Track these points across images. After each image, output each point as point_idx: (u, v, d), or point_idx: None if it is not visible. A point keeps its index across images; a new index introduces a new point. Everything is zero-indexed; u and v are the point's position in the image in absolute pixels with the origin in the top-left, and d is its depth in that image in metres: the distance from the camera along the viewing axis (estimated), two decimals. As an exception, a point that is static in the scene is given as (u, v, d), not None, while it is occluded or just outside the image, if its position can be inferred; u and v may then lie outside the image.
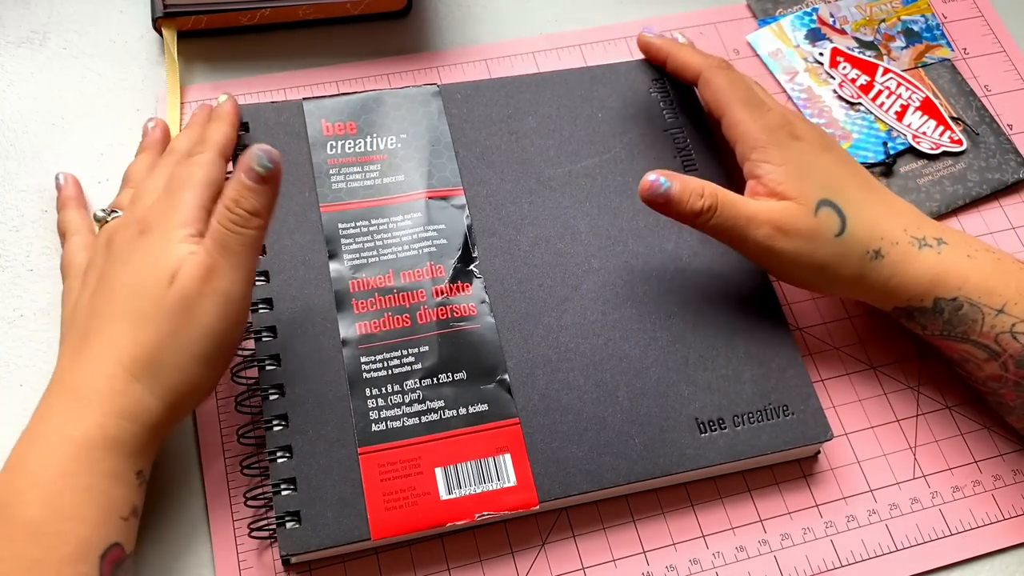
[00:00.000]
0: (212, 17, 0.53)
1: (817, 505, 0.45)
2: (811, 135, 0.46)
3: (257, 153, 0.38)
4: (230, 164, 0.45)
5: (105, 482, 0.36)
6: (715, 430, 0.43)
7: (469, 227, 0.47)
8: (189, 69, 0.53)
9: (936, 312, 0.44)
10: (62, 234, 0.46)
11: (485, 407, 0.43)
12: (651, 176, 0.43)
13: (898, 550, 0.45)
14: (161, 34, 0.53)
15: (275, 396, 0.42)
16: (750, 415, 0.44)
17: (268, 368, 0.42)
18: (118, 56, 0.53)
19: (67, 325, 0.41)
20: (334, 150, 0.48)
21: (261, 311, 0.44)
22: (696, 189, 0.43)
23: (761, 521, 0.45)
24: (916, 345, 0.50)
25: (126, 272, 0.39)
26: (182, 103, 0.52)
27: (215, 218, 0.39)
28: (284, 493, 0.40)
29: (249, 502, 0.42)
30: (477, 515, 0.40)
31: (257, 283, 0.44)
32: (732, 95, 0.46)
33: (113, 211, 0.44)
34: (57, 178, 0.47)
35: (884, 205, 0.45)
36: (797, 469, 0.46)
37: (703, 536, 0.44)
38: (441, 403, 0.42)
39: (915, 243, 0.44)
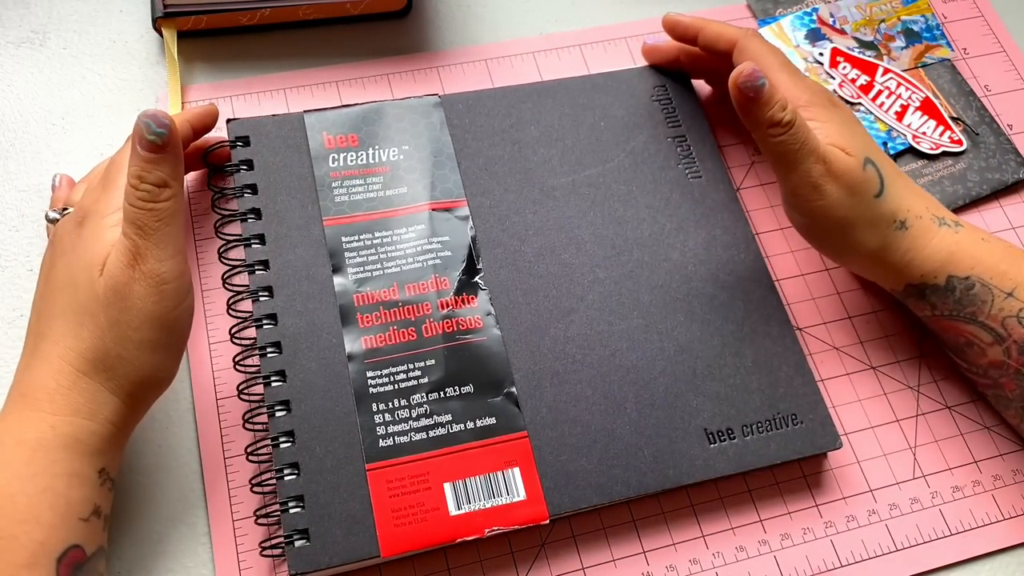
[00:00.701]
0: (212, 17, 0.53)
1: (817, 505, 0.45)
2: (846, 108, 0.47)
3: (145, 121, 0.36)
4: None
5: (62, 483, 0.35)
6: (724, 440, 0.43)
7: (473, 238, 0.46)
8: (189, 69, 0.53)
9: (948, 290, 0.44)
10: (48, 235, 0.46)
11: (493, 421, 0.42)
12: (749, 68, 0.42)
13: (898, 550, 0.45)
14: (161, 34, 0.53)
15: (281, 413, 0.42)
16: (759, 424, 0.44)
17: (274, 384, 0.42)
18: (118, 56, 0.53)
19: (28, 328, 0.40)
20: (336, 163, 0.47)
21: (265, 327, 0.43)
22: (782, 101, 0.42)
23: (761, 521, 0.45)
24: (916, 345, 0.50)
25: (65, 267, 0.38)
26: (182, 103, 0.52)
27: (125, 200, 0.37)
28: (292, 511, 0.40)
29: (260, 520, 0.41)
30: (487, 530, 0.40)
31: (261, 298, 0.44)
32: (771, 60, 0.46)
33: (66, 209, 0.43)
34: (53, 179, 0.47)
35: (907, 184, 0.46)
36: (797, 469, 0.46)
37: (703, 536, 0.44)
38: (448, 417, 0.42)
39: (936, 220, 0.45)
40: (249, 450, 0.42)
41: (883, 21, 0.59)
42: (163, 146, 0.37)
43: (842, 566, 0.44)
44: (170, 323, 0.37)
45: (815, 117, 0.44)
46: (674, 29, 0.52)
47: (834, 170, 0.43)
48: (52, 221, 0.43)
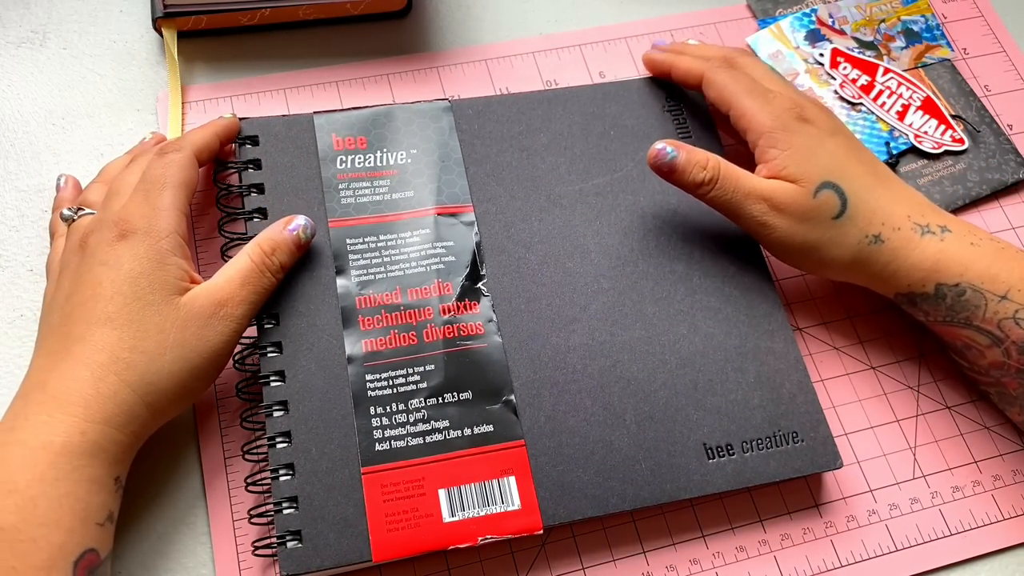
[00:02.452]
0: (212, 17, 0.53)
1: (817, 505, 0.45)
2: (820, 118, 0.46)
3: (304, 223, 0.43)
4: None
5: (83, 488, 0.35)
6: (723, 456, 0.43)
7: (478, 244, 0.46)
8: (189, 69, 0.53)
9: (938, 298, 0.44)
10: (51, 235, 0.46)
11: (490, 428, 0.42)
12: (659, 144, 0.45)
13: (898, 550, 0.45)
14: (161, 34, 0.53)
15: (279, 413, 0.42)
16: (759, 441, 0.44)
17: (273, 384, 0.42)
18: (118, 56, 0.53)
19: (43, 328, 0.40)
20: (344, 164, 0.47)
21: (266, 326, 0.43)
22: (700, 161, 0.45)
23: (761, 521, 0.45)
24: (916, 345, 0.50)
25: (114, 274, 0.39)
26: (182, 103, 0.52)
27: (249, 253, 0.42)
28: (286, 511, 0.40)
29: (254, 519, 0.41)
30: (480, 538, 0.40)
31: None
32: (735, 88, 0.47)
33: (80, 209, 0.43)
34: (58, 180, 0.47)
35: (889, 191, 0.45)
36: (797, 469, 0.46)
37: (703, 536, 0.44)
38: (446, 423, 0.42)
39: (917, 230, 0.44)
40: (245, 449, 0.42)
41: (883, 21, 0.59)
42: (302, 246, 0.43)
43: (842, 566, 0.44)
44: (225, 357, 0.41)
45: (775, 144, 0.45)
46: (652, 69, 0.53)
47: (778, 204, 0.44)
48: (67, 220, 0.43)
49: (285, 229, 0.43)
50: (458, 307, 0.44)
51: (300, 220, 0.43)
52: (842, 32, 0.58)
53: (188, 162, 0.43)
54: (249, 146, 0.47)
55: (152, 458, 0.43)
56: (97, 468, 0.36)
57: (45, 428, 0.36)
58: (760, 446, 0.44)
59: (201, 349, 0.39)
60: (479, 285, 0.45)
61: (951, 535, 0.45)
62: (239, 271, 0.41)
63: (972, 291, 0.43)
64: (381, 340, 0.43)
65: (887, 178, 0.46)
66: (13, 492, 0.34)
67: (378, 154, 0.48)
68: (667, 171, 0.45)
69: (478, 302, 0.45)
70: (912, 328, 0.50)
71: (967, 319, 0.44)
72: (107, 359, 0.37)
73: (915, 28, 0.59)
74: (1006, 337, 0.43)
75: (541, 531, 0.41)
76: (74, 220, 0.43)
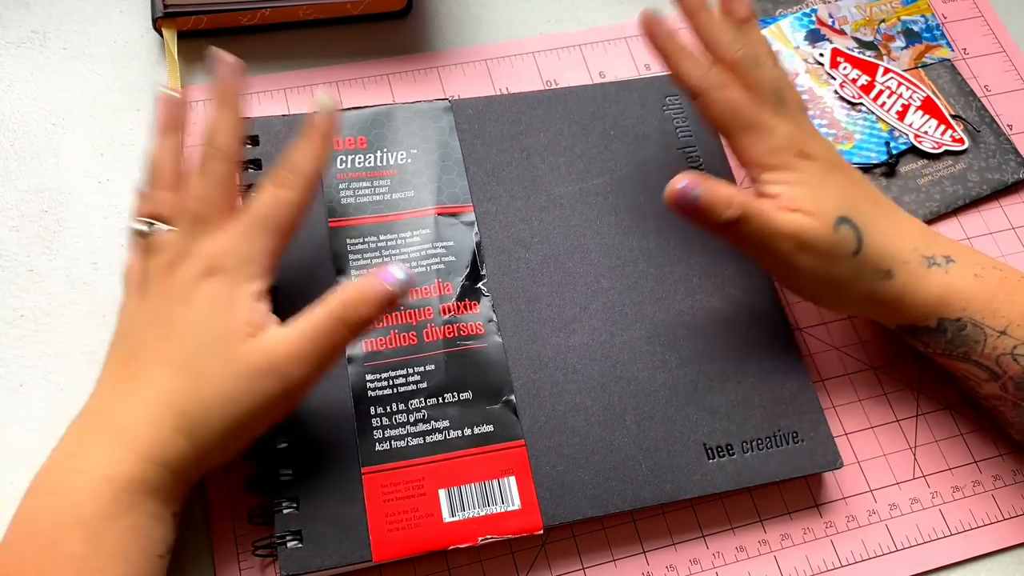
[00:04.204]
0: (212, 17, 0.53)
1: (817, 505, 0.45)
2: (822, 153, 0.44)
3: (404, 278, 0.38)
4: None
5: (144, 522, 0.36)
6: (723, 456, 0.43)
7: (478, 244, 0.46)
8: (189, 69, 0.53)
9: (940, 332, 0.44)
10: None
11: (490, 428, 0.42)
12: (681, 183, 0.41)
13: (898, 550, 0.45)
14: (161, 34, 0.53)
15: None
16: (759, 441, 0.44)
17: None
18: (118, 56, 0.53)
19: (117, 347, 0.39)
20: (344, 164, 0.47)
21: None
22: (724, 199, 0.41)
23: (761, 521, 0.45)
24: (916, 345, 0.50)
25: (190, 315, 0.38)
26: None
27: (328, 312, 0.38)
28: (286, 511, 0.40)
29: (254, 519, 0.41)
30: (480, 538, 0.40)
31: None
32: (732, 121, 0.43)
33: (152, 222, 0.40)
34: (139, 183, 0.42)
35: (895, 223, 0.44)
36: (797, 469, 0.46)
37: (703, 536, 0.44)
38: (446, 423, 0.42)
39: (924, 262, 0.43)
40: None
41: (883, 21, 0.59)
42: (394, 303, 0.38)
43: (842, 566, 0.44)
44: (273, 415, 0.38)
45: (782, 180, 0.42)
46: (648, 37, 0.45)
47: (804, 242, 0.42)
48: (143, 235, 0.40)
49: (378, 279, 0.38)
50: (458, 307, 0.44)
51: (398, 274, 0.38)
52: (842, 32, 0.58)
53: (301, 208, 0.40)
54: (249, 146, 0.47)
55: (152, 458, 0.43)
56: (156, 504, 0.36)
57: (107, 461, 0.35)
58: (760, 446, 0.44)
59: (247, 405, 0.37)
60: (479, 285, 0.45)
61: (951, 535, 0.45)
62: (312, 323, 0.38)
63: (972, 326, 0.43)
64: (381, 340, 0.43)
65: (890, 210, 0.45)
66: (81, 523, 0.34)
67: (378, 154, 0.48)
68: (690, 211, 0.42)
69: (478, 302, 0.45)
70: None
71: (966, 354, 0.44)
72: (167, 403, 0.36)
73: (915, 28, 0.59)
74: (1004, 372, 0.43)
75: (541, 531, 0.41)
76: (149, 236, 0.40)
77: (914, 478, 0.47)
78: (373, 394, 0.42)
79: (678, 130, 0.51)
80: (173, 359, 0.37)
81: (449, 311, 0.44)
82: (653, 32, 0.45)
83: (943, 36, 0.59)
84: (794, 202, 0.42)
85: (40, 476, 0.36)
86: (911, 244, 0.44)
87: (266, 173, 0.46)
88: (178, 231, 0.39)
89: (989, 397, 0.45)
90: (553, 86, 0.55)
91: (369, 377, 0.42)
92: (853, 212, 0.43)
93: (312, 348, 0.37)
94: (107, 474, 0.35)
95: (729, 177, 0.50)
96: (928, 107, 0.56)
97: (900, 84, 0.56)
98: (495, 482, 0.41)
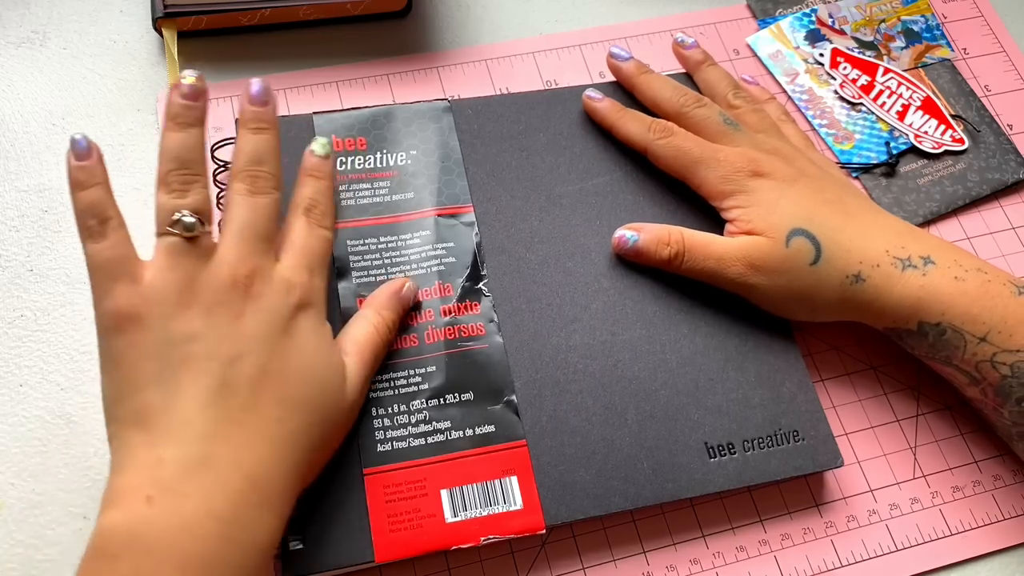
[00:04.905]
0: (212, 17, 0.53)
1: (817, 505, 0.45)
2: (777, 169, 0.45)
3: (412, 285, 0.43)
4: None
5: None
6: (724, 455, 0.43)
7: (478, 245, 0.46)
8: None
9: (921, 335, 0.44)
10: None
11: (492, 428, 0.42)
12: (618, 232, 0.46)
13: (898, 550, 0.45)
14: (161, 34, 0.53)
15: None
16: (760, 440, 0.44)
17: None
18: (118, 56, 0.53)
19: (193, 368, 0.34)
20: (344, 166, 0.47)
21: None
22: (662, 238, 0.45)
23: (761, 521, 0.45)
24: (916, 345, 0.50)
25: (295, 350, 0.37)
26: (182, 103, 0.52)
27: (373, 322, 0.41)
28: None
29: None
30: (482, 539, 0.40)
31: None
32: (682, 161, 0.47)
33: (196, 222, 0.36)
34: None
35: (863, 228, 0.45)
36: (797, 469, 0.46)
37: (703, 536, 0.44)
38: (447, 424, 0.42)
39: (898, 264, 0.43)
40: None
41: (883, 21, 0.59)
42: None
43: (842, 566, 0.44)
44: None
45: (737, 204, 0.45)
46: (592, 115, 0.50)
47: (753, 263, 0.44)
48: (188, 231, 0.36)
49: (401, 291, 0.43)
50: (459, 308, 0.44)
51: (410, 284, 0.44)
52: (842, 32, 0.58)
53: (331, 240, 0.42)
54: None
55: (152, 458, 0.43)
56: (271, 570, 0.37)
57: (252, 524, 0.34)
58: (761, 445, 0.44)
59: (339, 438, 0.40)
60: (480, 286, 0.45)
61: (951, 535, 0.45)
62: (359, 352, 0.40)
63: (952, 331, 0.43)
64: None
65: (859, 212, 0.45)
66: None
67: (378, 155, 0.48)
68: (632, 256, 0.46)
69: (479, 303, 0.45)
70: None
71: (947, 358, 0.44)
72: (293, 450, 0.36)
73: (915, 28, 0.59)
74: (983, 379, 0.43)
75: (543, 531, 0.41)
76: (196, 234, 0.36)
77: (914, 478, 0.47)
78: (374, 395, 0.42)
79: None
80: (294, 399, 0.36)
81: (450, 312, 0.44)
82: (593, 109, 0.50)
83: (943, 36, 0.59)
84: (747, 224, 0.45)
85: (190, 543, 0.32)
86: (882, 247, 0.44)
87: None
88: (238, 242, 0.37)
89: (973, 400, 0.46)
90: (553, 86, 0.55)
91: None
92: (811, 221, 0.44)
93: (368, 373, 0.41)
94: (255, 540, 0.34)
95: None
96: (928, 107, 0.56)
97: (900, 84, 0.56)
98: (497, 482, 0.41)
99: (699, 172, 0.46)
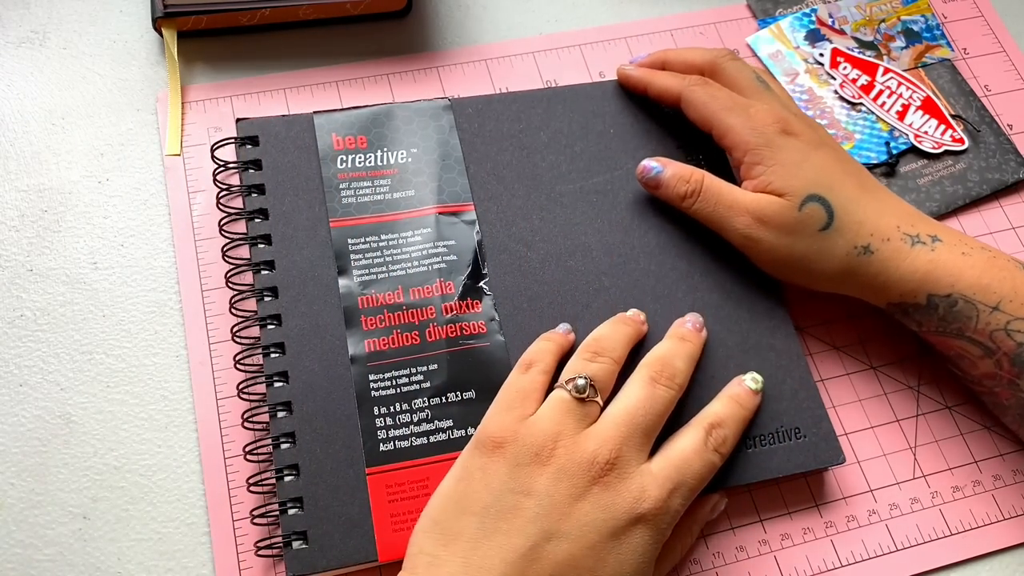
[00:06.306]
0: (212, 17, 0.53)
1: (817, 505, 0.45)
2: (805, 131, 0.46)
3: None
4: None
5: None
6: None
7: (479, 243, 0.46)
8: (189, 69, 0.53)
9: (930, 308, 0.44)
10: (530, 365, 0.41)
11: None
12: (646, 161, 0.47)
13: (898, 550, 0.45)
14: (161, 34, 0.53)
15: (283, 414, 0.42)
16: (762, 437, 0.44)
17: (276, 385, 0.42)
18: (118, 56, 0.53)
19: (527, 555, 0.35)
20: (344, 164, 0.47)
21: (269, 327, 0.43)
22: (684, 175, 0.46)
23: (761, 521, 0.45)
24: (916, 345, 0.50)
25: (614, 559, 0.36)
26: (182, 103, 0.52)
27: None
28: (291, 512, 0.40)
29: (256, 520, 0.41)
30: None
31: (265, 298, 0.44)
32: (714, 106, 0.46)
33: (593, 387, 0.39)
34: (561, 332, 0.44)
35: (877, 202, 0.45)
36: (797, 469, 0.46)
37: (703, 536, 0.44)
38: (449, 422, 0.42)
39: (907, 240, 0.44)
40: (247, 449, 0.42)
41: (883, 21, 0.59)
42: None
43: (842, 566, 0.44)
44: None
45: (760, 160, 0.45)
46: (626, 84, 0.52)
47: (763, 218, 0.44)
48: (580, 391, 0.39)
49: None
50: (460, 306, 0.44)
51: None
52: (842, 32, 0.58)
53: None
54: (249, 146, 0.47)
55: (152, 458, 0.43)
56: None
57: None
58: (763, 442, 0.44)
59: None
60: (481, 284, 0.45)
61: (951, 535, 0.45)
62: (660, 531, 0.38)
63: (964, 302, 0.43)
64: (384, 340, 0.43)
65: (875, 189, 0.46)
66: None
67: (378, 153, 0.48)
68: (653, 186, 0.47)
69: (480, 301, 0.45)
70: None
71: (959, 330, 0.44)
72: None
73: (915, 28, 0.59)
74: (998, 348, 0.43)
75: None
76: (587, 400, 0.39)
77: (914, 478, 0.47)
78: (376, 394, 0.42)
79: (677, 128, 0.51)
80: (591, 554, 0.35)
81: (451, 310, 0.44)
82: (627, 75, 0.51)
83: (943, 36, 0.59)
84: (767, 184, 0.45)
85: None
86: (894, 222, 0.44)
87: (267, 173, 0.46)
88: (616, 424, 0.38)
89: (984, 377, 0.45)
90: (553, 86, 0.55)
91: (372, 377, 0.43)
92: (829, 189, 0.44)
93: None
94: None
95: (729, 176, 0.50)
96: (928, 107, 0.56)
97: (900, 84, 0.56)
98: None
99: (728, 119, 0.46)
